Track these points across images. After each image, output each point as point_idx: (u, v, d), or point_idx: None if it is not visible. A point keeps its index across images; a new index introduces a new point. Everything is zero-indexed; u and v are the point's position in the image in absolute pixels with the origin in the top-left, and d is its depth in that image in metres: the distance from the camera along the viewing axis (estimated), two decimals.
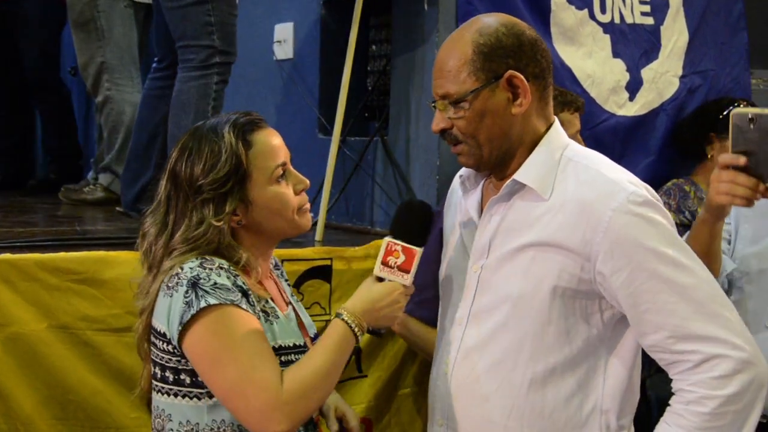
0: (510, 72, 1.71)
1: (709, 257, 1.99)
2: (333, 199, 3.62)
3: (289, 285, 2.07)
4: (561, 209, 1.71)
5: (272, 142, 1.84)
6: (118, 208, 3.82)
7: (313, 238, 3.28)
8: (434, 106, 1.78)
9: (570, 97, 2.86)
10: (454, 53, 1.74)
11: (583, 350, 1.74)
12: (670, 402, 1.69)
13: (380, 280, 1.82)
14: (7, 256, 2.47)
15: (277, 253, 2.85)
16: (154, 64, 3.73)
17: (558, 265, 1.70)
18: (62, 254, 2.55)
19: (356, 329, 1.77)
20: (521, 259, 1.74)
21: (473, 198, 1.88)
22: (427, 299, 2.39)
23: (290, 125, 4.19)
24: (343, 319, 1.77)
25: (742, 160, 1.69)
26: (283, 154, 1.85)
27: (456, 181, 1.98)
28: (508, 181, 1.76)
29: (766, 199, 2.09)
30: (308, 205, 1.88)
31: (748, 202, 1.74)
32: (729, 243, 2.33)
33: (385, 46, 3.87)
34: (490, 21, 1.76)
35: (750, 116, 1.66)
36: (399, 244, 1.80)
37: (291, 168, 1.86)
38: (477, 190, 1.88)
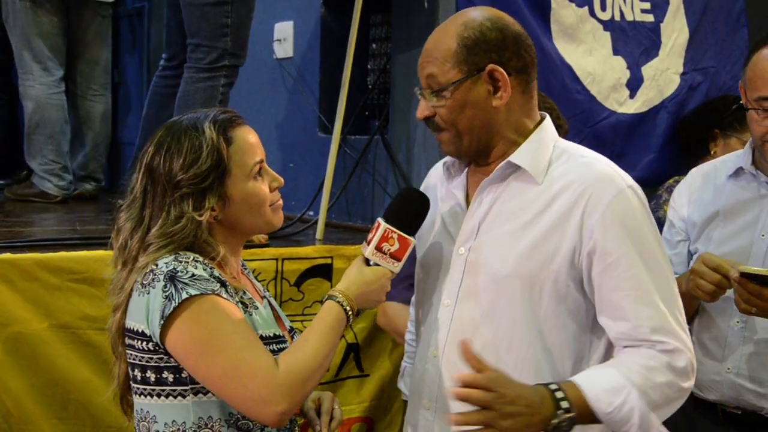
0: (491, 66, 1.75)
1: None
2: (333, 198, 3.62)
3: (259, 282, 2.07)
4: (558, 194, 1.74)
5: (251, 139, 1.84)
6: (120, 201, 3.84)
7: (314, 236, 3.28)
8: (421, 94, 1.82)
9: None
10: (440, 44, 1.78)
11: (572, 337, 1.76)
12: (621, 357, 1.73)
13: (367, 262, 1.83)
14: (7, 255, 2.47)
15: (278, 252, 2.86)
16: (162, 62, 3.73)
17: (552, 248, 1.73)
18: (62, 254, 2.55)
19: (349, 311, 1.78)
20: (514, 241, 1.76)
21: (458, 182, 1.90)
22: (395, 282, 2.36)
23: (290, 124, 4.19)
24: (337, 301, 1.78)
25: None
26: (260, 151, 1.85)
27: (431, 175, 2.01)
28: (502, 163, 1.79)
29: (735, 200, 2.17)
30: (281, 203, 1.89)
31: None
32: (686, 239, 2.36)
33: (385, 45, 3.87)
34: (476, 15, 1.80)
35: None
36: (396, 232, 1.81)
37: (266, 166, 1.86)
38: (462, 175, 1.90)
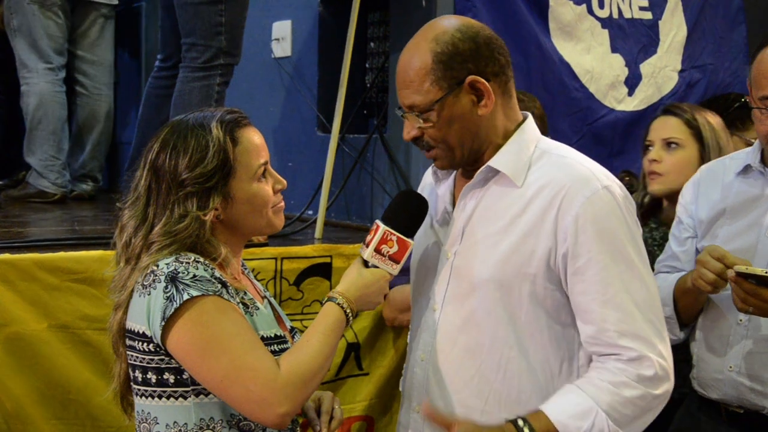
0: (471, 77, 1.75)
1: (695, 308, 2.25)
2: (332, 197, 3.62)
3: (259, 281, 2.07)
4: (534, 196, 1.75)
5: (256, 140, 1.85)
6: (118, 204, 3.84)
7: (313, 235, 3.27)
8: (404, 116, 1.82)
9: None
10: (414, 63, 1.77)
11: (557, 336, 1.77)
12: (590, 375, 1.72)
13: (365, 263, 1.83)
14: (6, 256, 2.47)
15: (277, 251, 2.86)
16: (157, 63, 3.72)
17: (528, 251, 1.73)
18: (61, 254, 2.54)
19: (349, 313, 1.79)
20: (493, 245, 1.77)
21: (445, 187, 1.91)
22: None
23: (289, 123, 4.19)
24: (337, 303, 1.78)
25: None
26: (264, 153, 1.85)
27: (427, 174, 2.01)
28: (482, 168, 1.80)
29: (742, 198, 2.17)
30: (283, 204, 1.89)
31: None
32: (695, 236, 2.36)
33: (383, 43, 3.87)
34: (445, 26, 1.79)
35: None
36: (395, 235, 1.82)
37: (270, 168, 1.87)
38: (449, 179, 1.91)
